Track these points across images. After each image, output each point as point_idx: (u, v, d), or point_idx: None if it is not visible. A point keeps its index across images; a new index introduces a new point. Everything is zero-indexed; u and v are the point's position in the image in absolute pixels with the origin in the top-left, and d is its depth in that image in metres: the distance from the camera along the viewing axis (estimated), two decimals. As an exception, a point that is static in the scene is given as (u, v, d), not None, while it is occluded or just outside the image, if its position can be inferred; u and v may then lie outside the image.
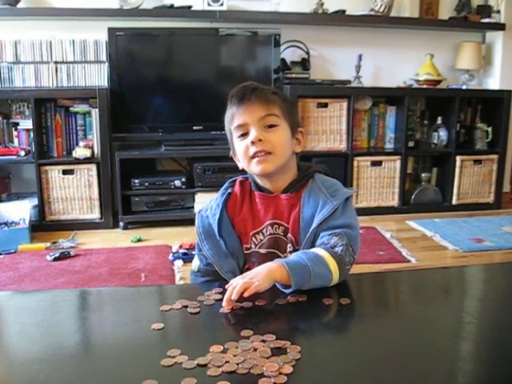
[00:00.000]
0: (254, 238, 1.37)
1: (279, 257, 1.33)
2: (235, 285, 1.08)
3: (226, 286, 1.12)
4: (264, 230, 1.36)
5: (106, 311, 1.13)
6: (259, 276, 1.10)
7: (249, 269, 1.34)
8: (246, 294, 1.07)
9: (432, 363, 0.86)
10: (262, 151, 1.30)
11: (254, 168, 1.33)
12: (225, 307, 1.07)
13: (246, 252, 1.38)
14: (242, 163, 1.37)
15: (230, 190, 1.42)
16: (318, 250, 1.21)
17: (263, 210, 1.37)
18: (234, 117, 1.34)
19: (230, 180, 1.45)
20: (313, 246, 1.27)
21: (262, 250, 1.36)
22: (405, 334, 0.99)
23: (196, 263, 1.48)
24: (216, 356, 0.87)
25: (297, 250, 1.31)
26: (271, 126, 1.32)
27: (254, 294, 1.08)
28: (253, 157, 1.32)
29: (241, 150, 1.34)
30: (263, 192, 1.38)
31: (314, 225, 1.28)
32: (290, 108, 1.38)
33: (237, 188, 1.42)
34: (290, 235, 1.34)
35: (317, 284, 1.15)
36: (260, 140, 1.30)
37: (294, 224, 1.33)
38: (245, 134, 1.33)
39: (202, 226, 1.40)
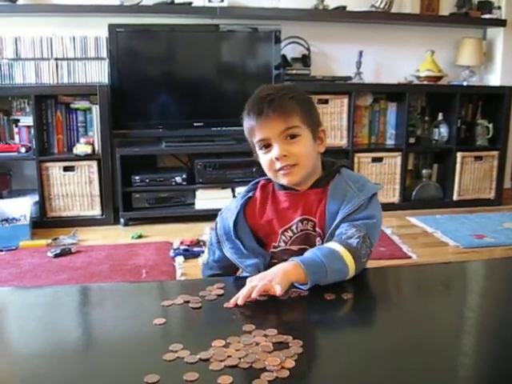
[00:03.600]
0: (283, 236, 1.37)
1: None
2: (254, 284, 1.08)
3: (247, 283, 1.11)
4: (294, 227, 1.36)
5: (107, 307, 1.13)
6: (277, 278, 1.09)
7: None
8: (271, 293, 1.07)
9: (433, 358, 0.86)
10: (288, 166, 1.30)
11: (281, 180, 1.34)
12: (236, 302, 1.06)
13: (273, 250, 1.38)
14: (267, 173, 1.37)
15: (251, 194, 1.42)
16: (333, 245, 1.21)
17: (291, 207, 1.36)
18: (254, 131, 1.32)
19: (254, 182, 1.45)
20: None
21: (294, 247, 1.36)
22: (406, 328, 0.99)
23: (205, 256, 1.50)
24: (218, 350, 0.87)
25: None
26: (293, 137, 1.30)
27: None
28: (278, 170, 1.31)
29: (265, 163, 1.33)
30: (289, 190, 1.38)
31: (339, 218, 1.28)
32: (309, 111, 1.35)
33: (258, 193, 1.41)
34: (317, 229, 1.34)
35: (334, 279, 1.15)
36: (284, 155, 1.29)
37: (321, 217, 1.33)
38: (267, 146, 1.31)
39: (223, 228, 1.40)
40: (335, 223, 1.28)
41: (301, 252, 1.32)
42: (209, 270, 1.48)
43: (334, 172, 1.37)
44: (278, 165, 1.30)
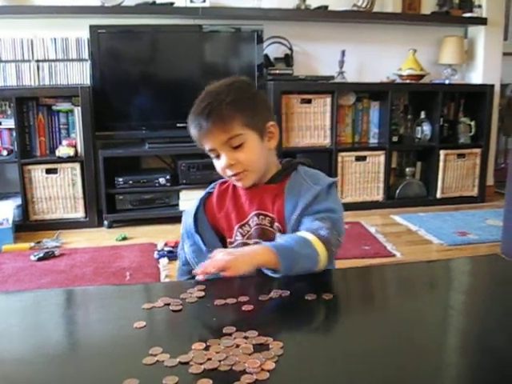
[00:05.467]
0: (240, 230, 1.39)
1: None
2: (219, 258, 1.12)
3: (210, 256, 1.16)
4: (250, 222, 1.38)
5: (88, 310, 1.12)
6: (244, 257, 1.12)
7: None
8: (225, 274, 1.10)
9: (417, 357, 0.86)
10: (238, 173, 1.33)
11: (236, 183, 1.39)
12: (202, 273, 1.12)
13: (230, 246, 1.40)
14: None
15: (210, 190, 1.46)
16: (304, 233, 1.22)
17: (248, 201, 1.39)
18: (201, 141, 1.34)
19: (214, 182, 1.48)
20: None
21: (251, 242, 1.38)
22: (389, 328, 0.98)
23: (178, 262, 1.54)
24: (198, 353, 0.86)
25: None
26: (237, 145, 1.30)
27: (237, 286, 1.12)
28: (230, 176, 1.35)
29: (218, 169, 1.37)
30: None
31: (298, 211, 1.29)
32: (252, 111, 1.32)
33: (216, 190, 1.45)
34: (276, 224, 1.35)
35: (305, 266, 1.16)
36: (232, 164, 1.31)
37: (279, 214, 1.34)
38: (217, 155, 1.34)
39: (185, 225, 1.44)
40: (295, 216, 1.30)
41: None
42: (180, 276, 1.50)
43: (291, 169, 1.39)
44: (228, 172, 1.34)
